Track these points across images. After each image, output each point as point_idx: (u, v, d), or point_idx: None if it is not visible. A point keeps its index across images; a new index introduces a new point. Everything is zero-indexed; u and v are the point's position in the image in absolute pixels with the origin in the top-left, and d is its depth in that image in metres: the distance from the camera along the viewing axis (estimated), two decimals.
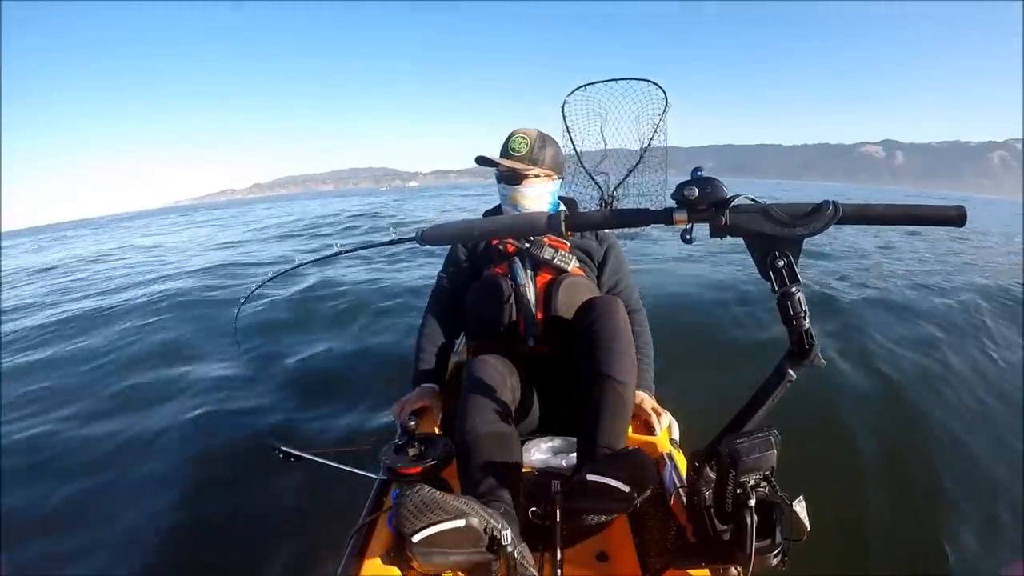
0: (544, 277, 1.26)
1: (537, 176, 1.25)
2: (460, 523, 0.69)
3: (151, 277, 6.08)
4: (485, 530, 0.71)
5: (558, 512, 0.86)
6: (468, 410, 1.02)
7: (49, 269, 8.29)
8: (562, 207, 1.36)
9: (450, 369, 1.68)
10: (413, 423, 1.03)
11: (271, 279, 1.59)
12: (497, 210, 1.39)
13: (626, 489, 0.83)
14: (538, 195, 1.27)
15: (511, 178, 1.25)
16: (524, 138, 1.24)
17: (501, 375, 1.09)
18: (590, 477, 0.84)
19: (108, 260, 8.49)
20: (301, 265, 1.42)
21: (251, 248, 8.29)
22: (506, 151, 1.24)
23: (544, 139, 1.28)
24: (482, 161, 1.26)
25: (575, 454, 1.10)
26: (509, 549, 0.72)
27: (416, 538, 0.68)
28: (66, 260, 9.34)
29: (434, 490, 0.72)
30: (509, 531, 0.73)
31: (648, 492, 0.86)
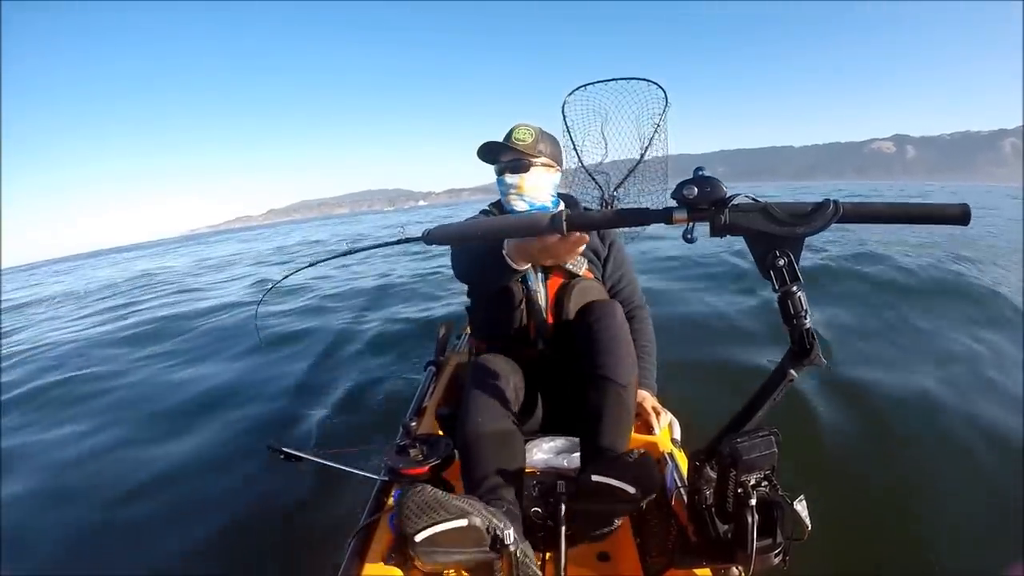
0: (555, 281, 1.25)
1: (543, 165, 1.25)
2: (463, 523, 0.70)
3: None
4: (488, 529, 0.72)
5: (562, 511, 0.87)
6: (471, 409, 1.02)
7: None
8: (562, 204, 1.36)
9: (451, 367, 1.67)
10: (414, 424, 1.03)
11: (285, 278, 1.59)
12: (493, 209, 1.39)
13: (631, 490, 0.84)
14: (544, 185, 1.26)
15: (517, 166, 1.22)
16: (528, 129, 1.23)
17: (505, 373, 1.09)
18: (595, 477, 0.85)
19: None
20: (313, 264, 1.42)
21: None
22: (509, 141, 1.22)
23: (544, 132, 1.27)
24: (490, 147, 1.23)
25: (578, 454, 1.10)
26: (512, 548, 0.72)
27: (419, 538, 0.69)
28: None
29: (436, 490, 0.73)
30: (511, 530, 0.73)
31: (653, 495, 0.87)
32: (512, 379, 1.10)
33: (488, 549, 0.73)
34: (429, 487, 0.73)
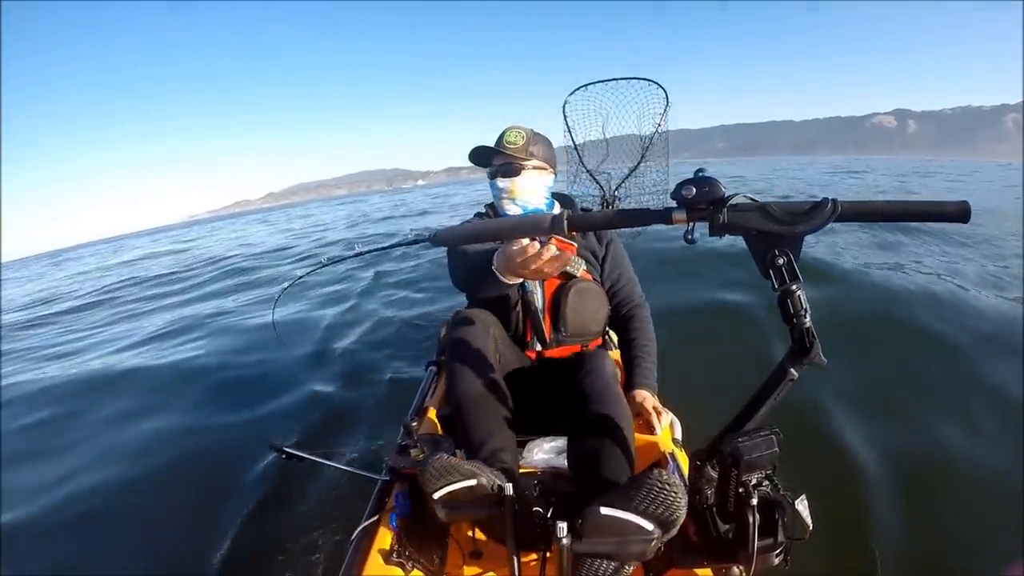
0: (552, 282, 1.25)
1: (534, 168, 1.25)
2: (472, 482, 0.82)
3: None
4: (492, 488, 0.83)
5: (565, 558, 0.74)
6: (455, 373, 1.07)
7: None
8: (557, 204, 1.36)
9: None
10: (415, 424, 1.03)
11: (300, 279, 1.60)
12: (488, 211, 1.39)
13: (649, 527, 0.72)
14: (535, 188, 1.26)
15: (508, 170, 1.23)
16: (519, 132, 1.24)
17: (485, 326, 1.13)
18: (603, 510, 0.73)
19: None
20: (324, 265, 1.43)
21: None
22: (500, 145, 1.23)
23: (536, 134, 1.28)
24: (480, 151, 1.24)
25: None
26: (510, 501, 0.83)
27: (437, 495, 0.82)
28: None
29: (452, 457, 0.85)
30: (510, 486, 0.83)
31: (675, 530, 0.74)
32: (492, 330, 1.14)
33: (492, 503, 0.84)
34: (446, 455, 0.85)
